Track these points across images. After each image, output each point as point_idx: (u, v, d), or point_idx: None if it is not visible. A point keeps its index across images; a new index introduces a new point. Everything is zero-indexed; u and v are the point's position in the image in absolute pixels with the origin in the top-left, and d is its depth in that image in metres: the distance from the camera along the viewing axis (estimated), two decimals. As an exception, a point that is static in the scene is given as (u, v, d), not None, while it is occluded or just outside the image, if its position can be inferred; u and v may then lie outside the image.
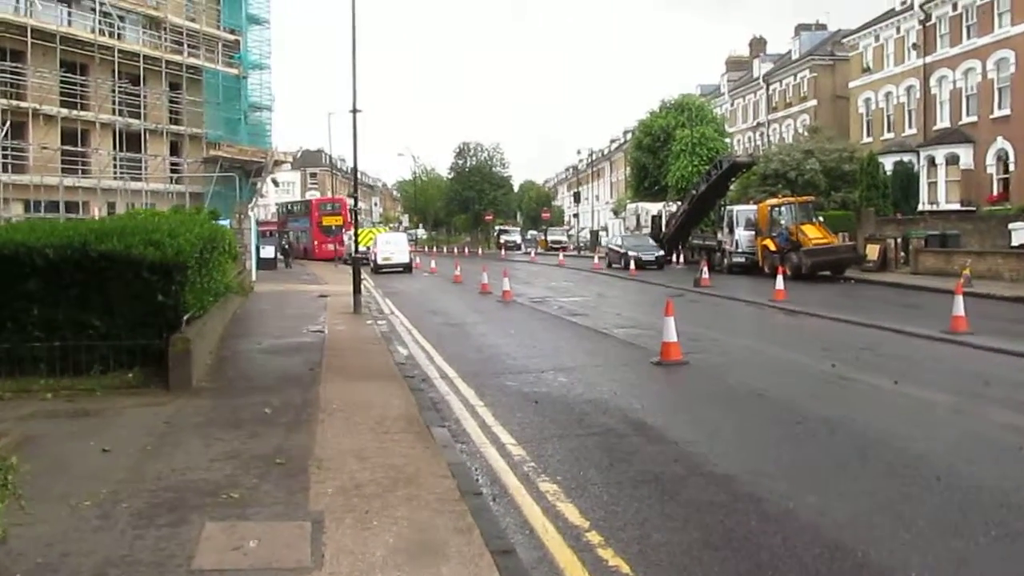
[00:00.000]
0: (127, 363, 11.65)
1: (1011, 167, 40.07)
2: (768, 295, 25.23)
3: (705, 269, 31.35)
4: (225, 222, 31.88)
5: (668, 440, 9.14)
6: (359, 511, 6.56)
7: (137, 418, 9.66)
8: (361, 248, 43.30)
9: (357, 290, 22.92)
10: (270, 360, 14.26)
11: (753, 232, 37.57)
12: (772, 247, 35.00)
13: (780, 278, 25.35)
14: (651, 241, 46.07)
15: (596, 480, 7.76)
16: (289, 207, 72.69)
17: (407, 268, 45.42)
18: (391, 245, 46.63)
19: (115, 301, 11.73)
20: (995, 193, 41.03)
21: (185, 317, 11.96)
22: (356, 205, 24.89)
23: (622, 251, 43.96)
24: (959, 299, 17.00)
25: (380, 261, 44.81)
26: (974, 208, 40.56)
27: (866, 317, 19.86)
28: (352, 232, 42.39)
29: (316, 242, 60.58)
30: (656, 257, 43.08)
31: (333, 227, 58.35)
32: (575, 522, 6.67)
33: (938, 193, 43.24)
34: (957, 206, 41.63)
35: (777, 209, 35.91)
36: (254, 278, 33.40)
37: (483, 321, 21.31)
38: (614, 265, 44.53)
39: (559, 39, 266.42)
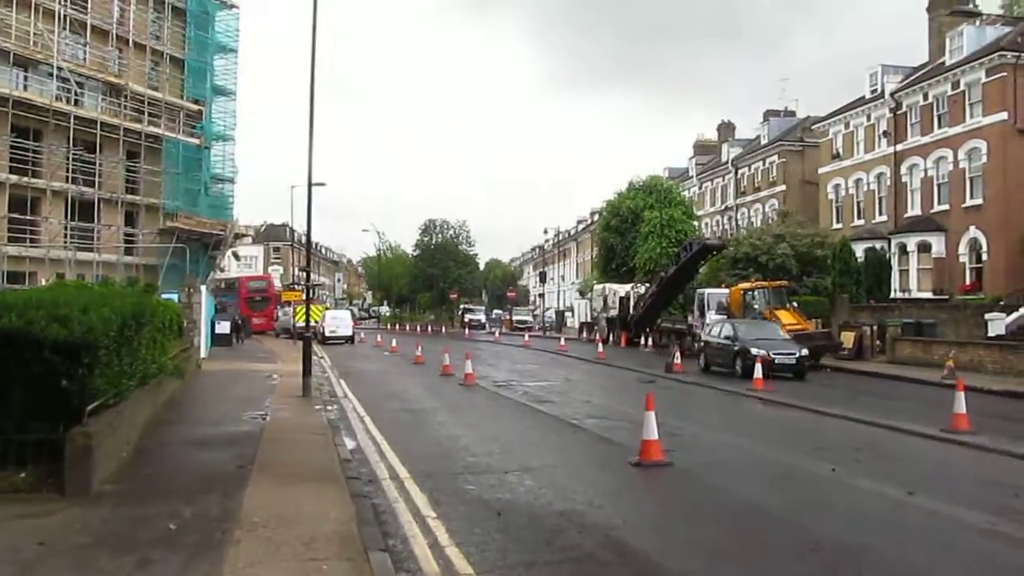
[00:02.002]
0: (22, 459, 9.84)
1: (984, 256, 39.37)
2: (746, 384, 23.80)
3: (678, 354, 29.88)
4: (173, 296, 30.18)
5: (661, 572, 7.47)
6: None
7: (8, 537, 7.80)
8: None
9: (307, 371, 21.09)
10: (196, 454, 12.44)
11: (725, 316, 36.33)
12: (745, 332, 33.68)
13: (759, 367, 23.89)
14: (781, 333, 29.40)
15: (574, 634, 6.07)
16: (220, 283, 72.36)
17: (350, 340, 50.61)
18: (336, 320, 52.29)
19: (10, 386, 9.97)
20: (968, 282, 40.22)
21: (92, 406, 10.18)
22: (308, 279, 23.20)
23: (733, 346, 27.78)
24: (960, 396, 15.58)
25: (327, 334, 49.29)
26: (947, 297, 39.70)
27: (854, 411, 18.41)
28: (292, 307, 43.47)
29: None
30: (797, 360, 26.92)
31: (259, 300, 60.02)
32: None
33: (910, 281, 42.41)
34: (929, 294, 40.79)
35: (750, 293, 34.77)
36: (204, 355, 31.48)
37: (443, 408, 19.58)
38: (714, 368, 29.00)
39: (530, 119, 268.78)
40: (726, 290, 37.54)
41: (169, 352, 19.20)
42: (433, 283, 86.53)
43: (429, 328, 75.63)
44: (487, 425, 16.70)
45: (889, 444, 14.53)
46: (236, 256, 74.71)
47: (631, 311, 47.46)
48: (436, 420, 17.45)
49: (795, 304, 34.49)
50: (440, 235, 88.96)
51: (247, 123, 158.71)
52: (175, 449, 12.83)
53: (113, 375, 11.54)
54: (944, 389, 24.11)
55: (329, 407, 18.97)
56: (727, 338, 28.64)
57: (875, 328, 34.18)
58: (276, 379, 24.94)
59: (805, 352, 27.44)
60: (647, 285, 47.27)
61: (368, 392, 22.92)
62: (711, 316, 37.08)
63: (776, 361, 26.50)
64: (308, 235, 22.21)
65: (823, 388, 24.52)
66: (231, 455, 12.23)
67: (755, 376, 23.51)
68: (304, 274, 24.49)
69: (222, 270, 63.10)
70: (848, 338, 34.05)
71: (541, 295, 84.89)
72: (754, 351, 26.13)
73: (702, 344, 30.99)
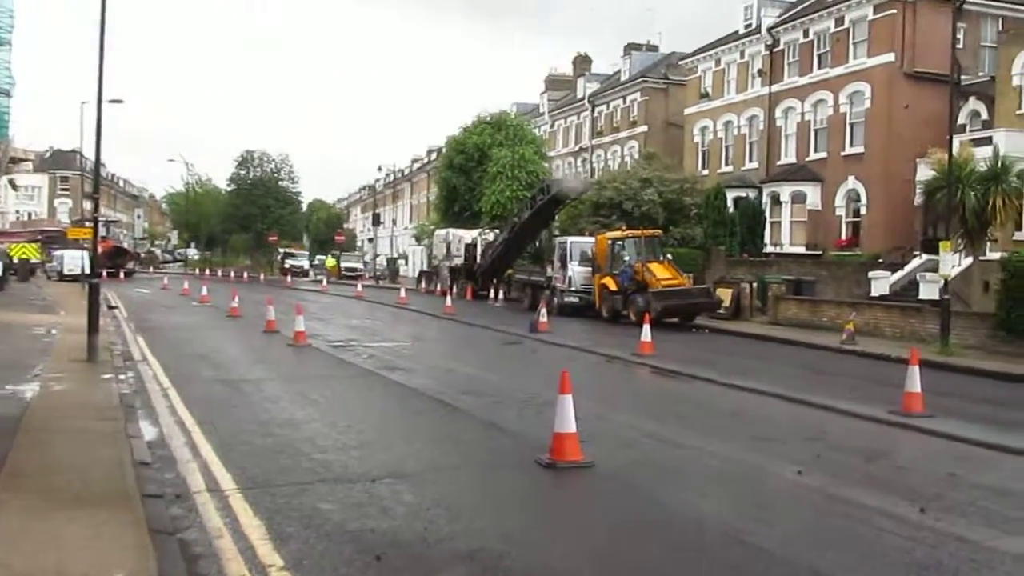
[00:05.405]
0: None
1: (862, 210, 38.84)
2: (629, 347, 21.70)
3: (544, 311, 27.55)
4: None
5: None
6: None
7: None
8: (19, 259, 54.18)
9: (94, 328, 17.54)
10: (-84, 455, 9.13)
11: (589, 268, 34.28)
12: (613, 287, 31.75)
13: (647, 328, 21.70)
14: None
15: None
16: None
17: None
18: (75, 260, 56.83)
19: None
20: (844, 237, 39.75)
21: None
22: (97, 209, 19.37)
23: None
24: (915, 371, 13.61)
25: (66, 272, 55.90)
26: (820, 252, 39.10)
27: (769, 383, 16.46)
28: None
29: None
30: None
31: None
32: None
33: (782, 234, 41.59)
34: (803, 249, 40.09)
35: (619, 243, 32.70)
36: (-38, 303, 27.14)
37: (272, 377, 16.53)
38: None
39: (357, 47, 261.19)
40: (592, 239, 35.42)
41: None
42: (249, 224, 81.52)
43: (245, 274, 71.07)
44: (333, 404, 13.84)
45: (840, 431, 12.48)
46: (13, 186, 67.94)
47: (478, 260, 44.99)
48: (264, 395, 14.43)
49: (670, 256, 32.70)
50: (259, 169, 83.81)
51: (30, 27, 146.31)
52: None
53: None
54: (848, 356, 22.90)
55: (122, 376, 15.59)
56: None
57: (754, 285, 32.89)
58: (54, 335, 21.25)
59: None
60: (497, 231, 44.82)
61: (173, 354, 19.57)
62: (573, 267, 35.00)
63: None
64: (97, 153, 18.41)
65: (714, 354, 22.63)
66: (-31, 457, 8.98)
67: (539, 319, 17.60)
68: (93, 205, 20.62)
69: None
70: (724, 295, 32.61)
71: (371, 240, 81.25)
72: None
73: None
